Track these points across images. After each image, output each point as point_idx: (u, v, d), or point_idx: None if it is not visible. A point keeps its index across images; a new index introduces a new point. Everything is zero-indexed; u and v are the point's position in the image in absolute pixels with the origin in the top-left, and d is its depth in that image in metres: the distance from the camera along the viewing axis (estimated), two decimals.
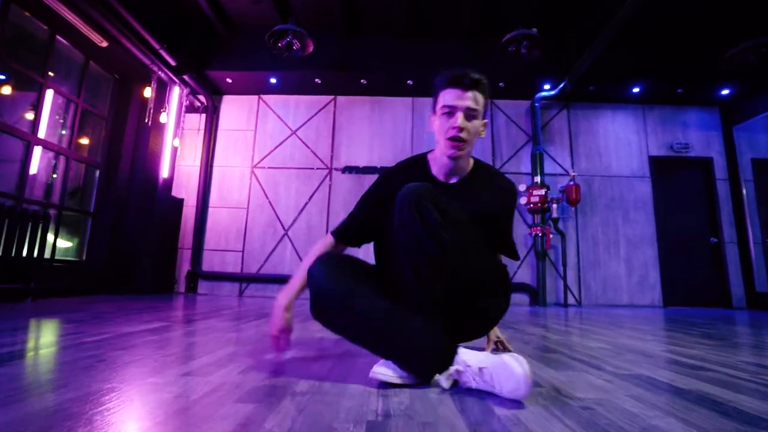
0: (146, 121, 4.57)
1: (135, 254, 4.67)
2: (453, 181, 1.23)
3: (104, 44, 4.18)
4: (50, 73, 4.08)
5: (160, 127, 4.88)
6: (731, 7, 4.41)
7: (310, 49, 4.04)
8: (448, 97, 1.13)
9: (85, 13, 3.70)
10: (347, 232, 1.33)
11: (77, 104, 4.33)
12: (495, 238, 1.25)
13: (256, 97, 5.63)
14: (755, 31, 4.10)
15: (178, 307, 3.29)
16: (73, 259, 4.35)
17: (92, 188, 4.65)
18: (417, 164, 1.28)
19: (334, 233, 1.34)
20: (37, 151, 3.95)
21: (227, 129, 5.57)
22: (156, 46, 4.28)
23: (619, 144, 5.46)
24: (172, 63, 4.59)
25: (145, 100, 4.56)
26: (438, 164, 1.23)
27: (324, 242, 1.34)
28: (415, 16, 4.76)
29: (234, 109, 5.62)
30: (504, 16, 4.68)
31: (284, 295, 1.26)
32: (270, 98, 5.62)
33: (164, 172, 4.83)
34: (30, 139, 3.81)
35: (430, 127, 1.23)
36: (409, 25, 4.87)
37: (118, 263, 4.55)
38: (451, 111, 1.12)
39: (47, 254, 3.89)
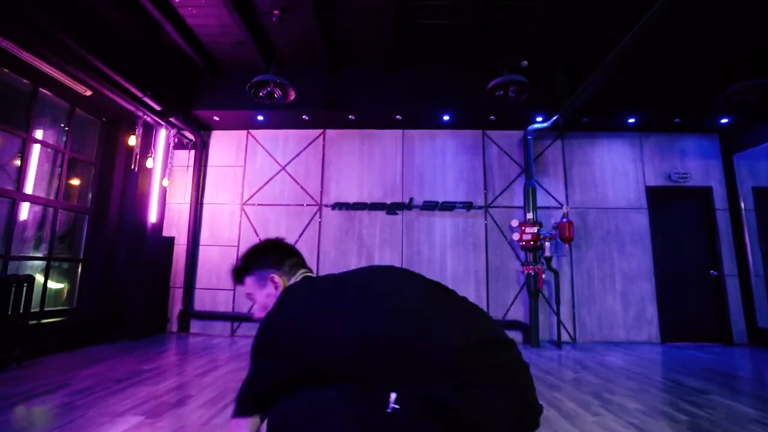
0: (132, 167, 4.55)
1: (126, 299, 4.69)
2: None
3: (88, 93, 4.17)
4: (36, 133, 4.08)
5: (148, 170, 4.87)
6: (730, 42, 4.26)
7: (292, 97, 3.99)
8: None
9: (65, 69, 3.68)
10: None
11: (64, 154, 4.33)
12: None
13: (244, 131, 5.59)
14: (755, 69, 3.94)
15: (171, 370, 3.25)
16: (63, 307, 4.37)
17: (81, 232, 4.66)
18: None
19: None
20: (25, 206, 3.97)
21: (216, 165, 5.55)
22: (139, 94, 4.25)
23: (616, 174, 5.33)
24: (158, 108, 4.56)
25: (132, 147, 4.54)
26: None
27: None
28: (402, 46, 4.66)
29: (223, 144, 5.59)
30: (494, 45, 4.56)
31: None
32: (258, 133, 5.57)
33: (152, 217, 4.83)
34: (15, 197, 3.82)
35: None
36: (397, 56, 4.77)
37: (109, 309, 4.57)
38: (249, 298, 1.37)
39: (35, 306, 3.92)
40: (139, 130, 4.55)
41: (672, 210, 5.28)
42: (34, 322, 3.69)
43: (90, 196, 4.70)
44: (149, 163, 4.58)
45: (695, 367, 3.69)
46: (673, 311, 5.02)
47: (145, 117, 4.58)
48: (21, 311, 3.36)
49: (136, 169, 4.58)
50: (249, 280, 1.31)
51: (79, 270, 4.55)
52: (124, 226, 4.83)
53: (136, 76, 4.21)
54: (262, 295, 1.29)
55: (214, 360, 3.72)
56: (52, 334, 3.82)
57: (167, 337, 4.83)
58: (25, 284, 3.43)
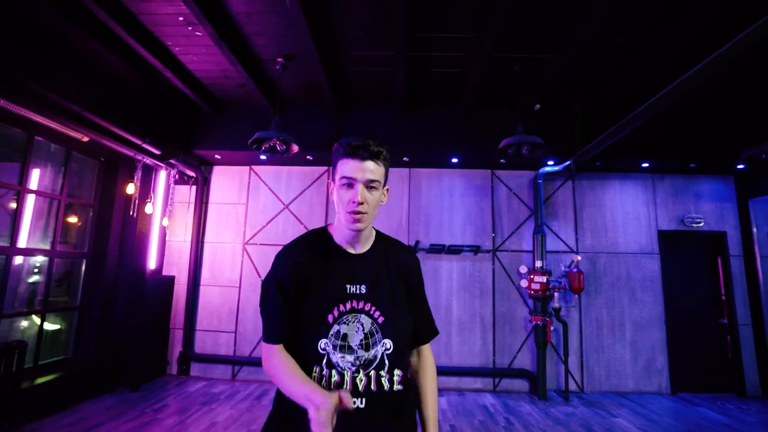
0: (131, 213, 4.42)
1: (125, 346, 4.58)
2: (359, 250, 1.17)
3: (86, 140, 4.01)
4: (32, 174, 3.95)
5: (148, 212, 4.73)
6: (753, 91, 4.10)
7: (295, 150, 3.84)
8: (346, 168, 1.07)
9: (60, 122, 3.54)
10: (278, 331, 1.08)
11: (60, 201, 4.19)
12: (415, 308, 1.22)
13: (247, 168, 5.44)
14: None
15: None
16: (58, 358, 4.25)
17: (78, 277, 4.54)
18: (319, 237, 1.19)
19: (274, 340, 1.08)
20: (18, 258, 3.84)
21: (218, 202, 5.41)
22: (138, 141, 4.11)
23: (627, 218, 5.18)
24: (157, 152, 4.42)
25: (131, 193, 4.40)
26: (341, 234, 1.16)
27: (281, 355, 1.05)
28: (410, 92, 4.50)
29: (225, 180, 5.44)
30: (507, 91, 4.41)
31: (318, 393, 0.91)
32: (261, 169, 5.43)
33: (152, 263, 4.70)
34: (8, 253, 3.69)
35: (330, 194, 1.16)
36: (405, 100, 4.61)
37: (107, 357, 4.46)
38: (350, 183, 1.07)
39: (29, 362, 3.82)
40: (137, 175, 4.41)
41: (685, 255, 5.14)
42: (27, 384, 3.58)
43: (87, 240, 4.56)
44: (148, 209, 4.45)
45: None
46: (684, 360, 4.91)
47: (145, 160, 4.44)
48: (12, 376, 3.25)
49: (135, 215, 4.44)
50: (383, 169, 1.11)
51: (76, 318, 4.43)
52: (123, 270, 4.70)
53: (135, 123, 4.06)
54: (379, 196, 1.12)
55: (213, 425, 3.61)
56: (46, 394, 3.72)
57: (166, 384, 4.72)
58: (17, 351, 3.31)
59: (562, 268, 4.97)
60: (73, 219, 4.57)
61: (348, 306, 1.08)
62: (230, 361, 5.05)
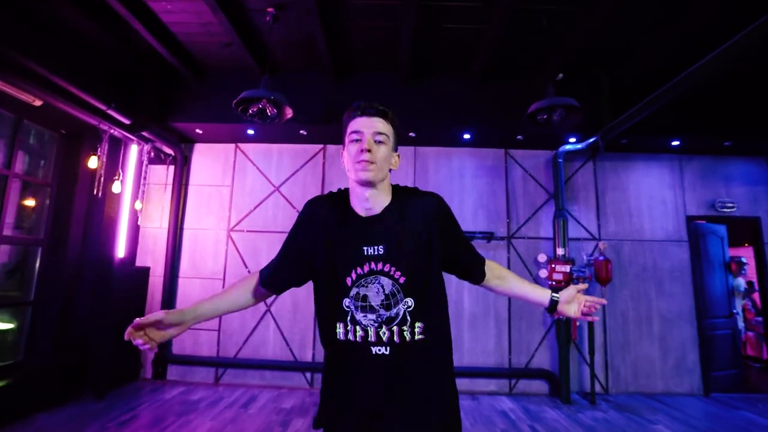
0: (96, 192, 3.79)
1: (90, 347, 3.96)
2: (375, 211, 1.12)
3: (38, 103, 3.38)
4: None
5: (116, 194, 4.11)
6: None
7: (289, 115, 3.28)
8: (354, 124, 1.10)
9: (6, 80, 2.92)
10: (270, 270, 1.21)
11: (8, 177, 3.55)
12: (454, 253, 1.19)
13: (232, 145, 4.85)
14: None
15: None
16: (6, 362, 3.61)
17: (33, 268, 3.90)
18: (341, 198, 1.17)
19: (268, 284, 1.20)
20: None
21: (200, 184, 4.80)
22: (101, 106, 3.49)
23: (653, 202, 4.73)
24: (126, 122, 3.81)
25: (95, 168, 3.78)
26: (356, 198, 1.13)
27: (246, 279, 1.23)
28: (418, 55, 3.97)
29: (207, 159, 4.84)
30: (527, 55, 3.91)
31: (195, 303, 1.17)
32: (249, 147, 4.84)
33: (120, 251, 4.08)
34: None
35: (342, 163, 1.15)
36: (411, 66, 4.08)
37: (68, 360, 3.83)
38: (358, 137, 1.08)
39: None
40: (103, 148, 3.79)
41: (716, 242, 4.71)
42: None
43: (44, 225, 3.93)
44: (116, 188, 3.83)
45: None
46: (717, 358, 4.47)
47: (112, 131, 3.83)
48: None
49: (100, 194, 3.82)
50: (390, 128, 1.12)
51: (29, 316, 3.79)
52: (87, 260, 4.08)
53: (98, 85, 3.45)
54: (388, 152, 1.11)
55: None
56: None
57: (139, 390, 4.11)
58: None
59: (584, 257, 4.48)
60: (29, 202, 3.94)
61: (366, 268, 1.08)
62: (213, 363, 4.45)
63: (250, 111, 3.13)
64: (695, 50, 3.37)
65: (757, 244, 4.65)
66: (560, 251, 4.29)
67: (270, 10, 3.25)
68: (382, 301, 1.06)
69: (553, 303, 1.23)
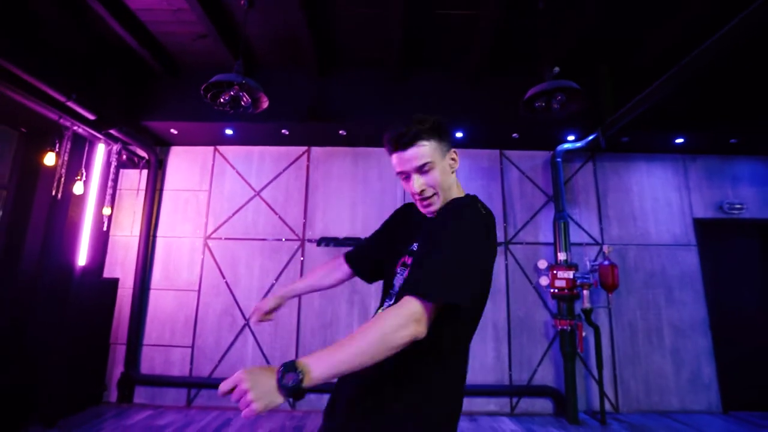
0: (54, 194, 3.46)
1: (41, 367, 3.54)
2: (427, 215, 1.14)
3: None
4: None
5: (80, 197, 3.78)
6: None
7: (265, 104, 3.00)
8: (395, 163, 1.09)
9: None
10: (356, 253, 1.37)
11: None
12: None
13: (211, 148, 4.56)
14: None
15: None
16: None
17: None
18: (415, 207, 1.20)
19: (350, 262, 1.37)
20: None
21: (175, 189, 4.48)
22: (60, 98, 3.20)
23: (657, 204, 4.46)
24: (90, 117, 3.51)
25: (54, 167, 3.46)
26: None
27: (332, 262, 1.41)
28: (408, 48, 3.74)
29: (184, 163, 4.54)
30: (522, 49, 3.71)
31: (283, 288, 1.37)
32: (228, 150, 4.55)
33: (81, 258, 3.72)
34: None
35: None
36: (401, 60, 3.84)
37: (13, 384, 3.41)
38: (405, 176, 1.09)
39: None
40: (64, 145, 3.49)
41: (726, 247, 4.43)
42: None
43: None
44: (78, 189, 3.51)
45: None
46: (736, 372, 4.12)
47: (75, 128, 3.53)
48: None
49: (60, 195, 3.49)
50: (430, 145, 1.05)
51: None
52: (45, 270, 3.70)
53: (57, 75, 3.16)
54: (441, 169, 1.07)
55: None
56: None
57: (99, 416, 3.68)
58: None
59: (588, 263, 4.17)
60: None
61: (405, 260, 1.13)
62: (185, 384, 4.03)
63: (221, 99, 2.85)
64: (699, 40, 3.17)
65: None
66: (562, 256, 3.98)
67: None
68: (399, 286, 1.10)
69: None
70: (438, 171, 1.05)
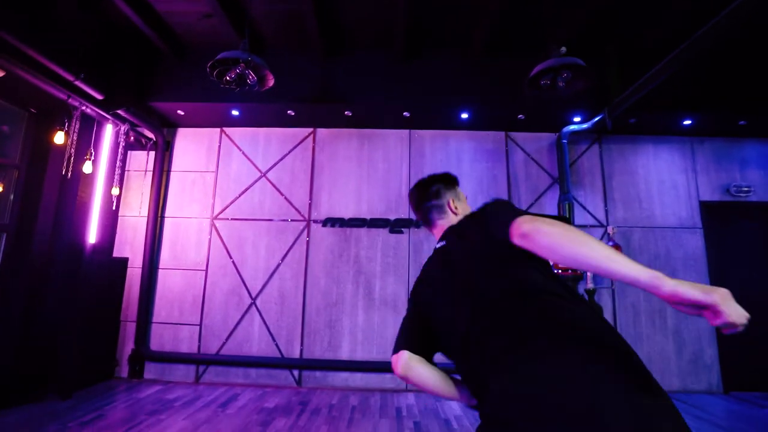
0: (64, 173, 3.52)
1: (57, 342, 3.65)
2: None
3: (0, 74, 3.13)
4: None
5: (90, 177, 3.84)
6: None
7: (271, 82, 3.01)
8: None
9: None
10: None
11: None
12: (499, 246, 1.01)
13: (217, 129, 4.59)
14: None
15: None
16: None
17: None
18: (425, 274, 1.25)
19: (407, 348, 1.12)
20: None
21: (182, 170, 4.53)
22: (69, 77, 3.23)
23: (663, 187, 4.44)
24: (98, 97, 3.55)
25: (63, 146, 3.51)
26: None
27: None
28: (414, 30, 3.73)
29: (191, 144, 4.58)
30: (528, 30, 3.68)
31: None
32: (234, 131, 4.58)
33: (91, 237, 3.79)
34: None
35: None
36: (407, 41, 3.83)
37: (31, 358, 3.52)
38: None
39: None
40: (74, 125, 3.53)
41: (732, 230, 4.41)
42: None
43: (10, 210, 3.65)
44: (87, 168, 3.56)
45: None
46: (738, 353, 4.14)
47: (83, 108, 3.57)
48: None
49: (69, 174, 3.55)
50: (439, 201, 1.31)
51: None
52: (57, 248, 3.79)
53: (66, 54, 3.19)
54: (451, 210, 1.30)
55: None
56: None
57: (111, 389, 3.79)
58: None
59: None
60: None
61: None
62: (193, 360, 4.13)
63: (227, 77, 2.87)
64: (707, 19, 3.12)
65: None
66: None
67: None
68: None
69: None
70: (450, 214, 1.30)
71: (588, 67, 2.76)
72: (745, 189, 4.38)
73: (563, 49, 3.82)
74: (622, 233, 4.32)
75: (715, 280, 4.24)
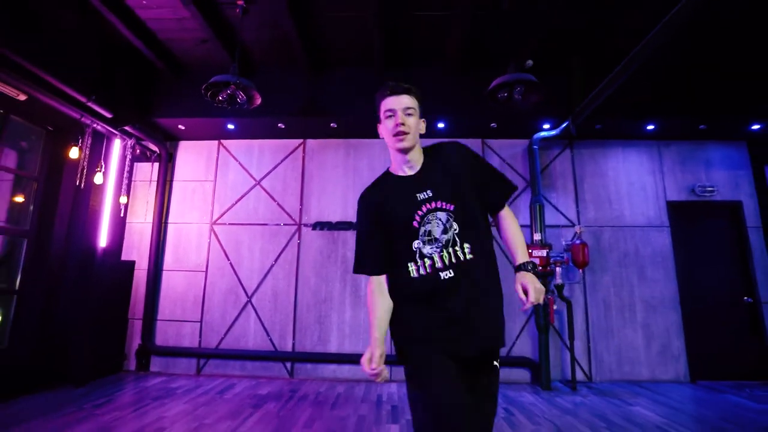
0: (78, 184, 3.93)
1: (71, 336, 4.03)
2: (415, 171, 1.38)
3: (22, 98, 3.55)
4: None
5: (100, 187, 4.25)
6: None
7: (258, 101, 3.39)
8: (389, 102, 1.33)
9: None
10: (371, 262, 1.39)
11: None
12: (480, 180, 1.38)
13: (215, 142, 4.98)
14: None
15: None
16: None
17: (18, 261, 4.02)
18: (382, 178, 1.45)
19: (364, 271, 1.40)
20: None
21: (183, 180, 4.93)
22: (82, 99, 3.65)
23: (632, 188, 4.72)
24: (108, 115, 3.96)
25: (77, 160, 3.92)
26: (396, 164, 1.41)
27: (371, 287, 1.38)
28: (391, 47, 4.09)
29: (191, 156, 4.98)
30: (497, 43, 4.00)
31: (374, 330, 1.33)
32: (231, 143, 4.97)
33: (102, 241, 4.19)
34: None
35: (380, 135, 1.40)
36: (385, 56, 4.19)
37: (49, 350, 3.91)
38: (391, 113, 1.32)
39: None
40: (87, 141, 3.94)
41: (698, 228, 4.67)
42: None
43: (30, 217, 4.06)
44: (98, 179, 3.96)
45: (755, 427, 3.04)
46: (703, 345, 4.38)
47: (95, 125, 3.98)
48: None
49: (82, 185, 3.96)
50: (416, 101, 1.36)
51: (14, 305, 3.90)
52: (72, 252, 4.19)
53: (79, 79, 3.61)
54: (417, 121, 1.36)
55: (160, 419, 3.06)
56: None
57: (120, 380, 4.16)
58: None
59: (563, 243, 4.48)
60: (19, 198, 4.09)
61: (424, 209, 1.31)
62: (195, 354, 4.49)
63: (220, 97, 3.25)
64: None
65: (739, 229, 4.60)
66: (537, 236, 4.30)
67: (239, 2, 3.40)
68: (441, 231, 1.30)
69: (517, 268, 1.31)
70: (415, 119, 1.34)
71: (539, 83, 3.08)
72: (710, 189, 4.64)
73: (529, 62, 4.17)
74: (593, 232, 4.60)
75: (682, 275, 4.49)
